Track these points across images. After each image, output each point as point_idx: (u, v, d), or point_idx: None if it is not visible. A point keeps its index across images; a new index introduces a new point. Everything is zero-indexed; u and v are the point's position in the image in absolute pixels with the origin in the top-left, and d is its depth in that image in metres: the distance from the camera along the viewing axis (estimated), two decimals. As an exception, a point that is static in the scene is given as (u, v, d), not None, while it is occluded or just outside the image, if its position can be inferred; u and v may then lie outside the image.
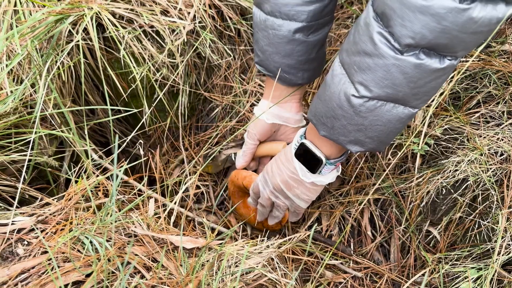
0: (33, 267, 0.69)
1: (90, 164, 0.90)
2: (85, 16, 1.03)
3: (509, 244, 0.84)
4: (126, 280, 0.69)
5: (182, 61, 1.17)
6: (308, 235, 0.98)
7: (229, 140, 1.20)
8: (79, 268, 0.69)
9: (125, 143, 0.96)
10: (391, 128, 0.75)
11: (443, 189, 1.00)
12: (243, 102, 1.26)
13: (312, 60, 0.94)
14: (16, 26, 1.01)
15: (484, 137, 0.98)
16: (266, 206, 1.02)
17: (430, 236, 1.03)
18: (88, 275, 0.69)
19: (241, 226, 1.16)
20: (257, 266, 0.78)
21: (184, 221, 0.97)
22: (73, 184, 0.85)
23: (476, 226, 0.93)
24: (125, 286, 0.67)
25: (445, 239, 0.99)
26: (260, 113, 1.02)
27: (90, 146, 1.07)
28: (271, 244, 0.85)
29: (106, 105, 1.15)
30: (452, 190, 0.98)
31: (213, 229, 1.03)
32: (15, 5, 1.06)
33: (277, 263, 0.82)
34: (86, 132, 0.97)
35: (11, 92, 1.00)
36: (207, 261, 0.77)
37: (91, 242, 0.73)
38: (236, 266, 0.77)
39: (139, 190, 1.02)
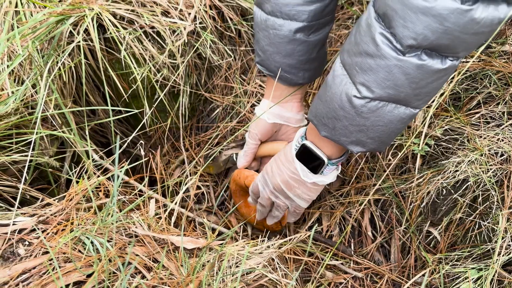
0: (34, 267, 0.69)
1: (91, 165, 0.90)
2: (86, 17, 1.03)
3: (509, 245, 0.84)
4: (127, 280, 0.69)
5: (183, 62, 1.17)
6: (309, 236, 0.98)
7: (230, 140, 1.20)
8: (80, 268, 0.69)
9: (126, 144, 0.96)
10: (392, 128, 0.75)
11: (444, 189, 1.00)
12: (243, 103, 1.27)
13: (313, 59, 0.94)
14: (17, 27, 1.02)
15: (485, 138, 0.98)
16: (266, 206, 1.02)
17: (431, 237, 1.03)
18: (89, 275, 0.69)
19: (242, 226, 1.16)
20: (257, 267, 0.78)
21: (184, 221, 0.97)
22: (74, 185, 0.85)
23: (477, 226, 0.93)
24: (126, 286, 0.67)
25: (446, 240, 0.99)
26: (261, 113, 1.02)
27: (91, 147, 1.08)
28: (272, 245, 0.85)
29: (107, 105, 1.15)
30: (452, 191, 0.98)
31: (213, 230, 1.03)
32: (16, 6, 1.07)
33: (278, 263, 0.82)
34: (87, 133, 0.97)
35: (12, 92, 1.00)
36: (208, 261, 0.77)
37: (92, 242, 0.73)
38: (237, 266, 0.77)
39: (140, 190, 1.03)
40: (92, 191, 0.81)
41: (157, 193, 0.99)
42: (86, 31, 1.07)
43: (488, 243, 0.89)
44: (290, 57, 0.92)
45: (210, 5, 1.19)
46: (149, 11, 1.12)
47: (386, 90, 0.68)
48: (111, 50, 1.14)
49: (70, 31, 1.06)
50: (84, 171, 0.89)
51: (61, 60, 1.04)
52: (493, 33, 0.60)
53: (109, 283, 0.68)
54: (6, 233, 0.74)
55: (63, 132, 1.06)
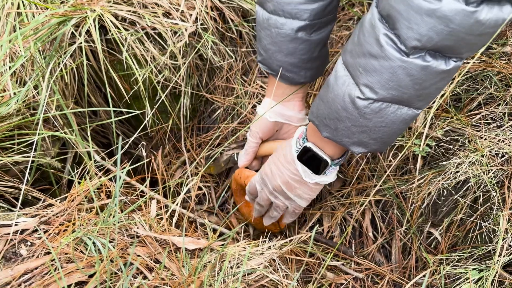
0: (36, 268, 0.70)
1: (93, 166, 0.91)
2: (88, 18, 1.04)
3: (510, 246, 0.84)
4: (129, 281, 0.69)
5: (184, 63, 1.17)
6: (310, 236, 0.98)
7: (231, 141, 1.20)
8: (82, 268, 0.69)
9: (127, 145, 0.96)
10: (394, 129, 0.75)
11: (444, 190, 1.00)
12: (244, 104, 1.27)
13: (315, 58, 0.94)
14: (20, 28, 1.02)
15: (485, 139, 0.98)
16: (264, 206, 1.02)
17: (431, 237, 1.03)
18: (91, 276, 0.69)
19: (243, 227, 1.17)
20: (258, 267, 0.78)
21: (186, 222, 0.97)
22: (75, 185, 0.85)
23: (477, 227, 0.94)
24: (127, 287, 0.67)
25: (446, 241, 0.99)
26: (262, 111, 1.02)
27: (93, 148, 1.08)
28: (273, 245, 0.86)
29: (109, 106, 1.15)
30: (453, 192, 0.98)
31: (215, 230, 1.04)
32: (18, 8, 1.07)
33: (279, 264, 0.82)
34: (88, 134, 0.97)
35: (14, 94, 1.00)
36: (209, 262, 0.77)
37: (94, 243, 0.73)
38: (238, 267, 0.77)
39: (142, 191, 1.03)
40: (94, 192, 0.82)
41: (159, 193, 0.99)
42: (88, 32, 1.07)
43: (489, 244, 0.89)
44: (292, 55, 0.92)
45: (211, 7, 1.20)
46: (151, 13, 1.12)
47: (389, 91, 0.68)
48: (112, 51, 1.14)
49: (72, 33, 1.07)
50: (86, 172, 0.90)
51: (63, 61, 1.04)
52: (497, 33, 0.60)
53: (110, 283, 0.68)
54: (8, 234, 0.74)
55: (65, 133, 1.06)
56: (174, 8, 1.14)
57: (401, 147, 1.08)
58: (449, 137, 1.04)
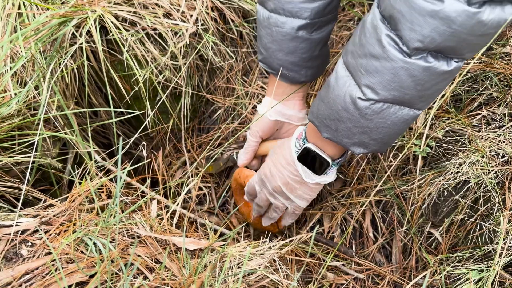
0: (37, 268, 0.70)
1: (93, 166, 0.91)
2: (89, 18, 1.04)
3: (510, 246, 0.84)
4: (129, 281, 0.69)
5: (185, 64, 1.17)
6: (310, 237, 0.98)
7: (231, 141, 1.20)
8: (83, 269, 0.69)
9: (128, 145, 0.97)
10: (395, 129, 0.75)
11: (445, 191, 1.00)
12: (245, 104, 1.27)
13: (315, 57, 0.94)
14: (20, 29, 1.02)
15: (486, 139, 0.98)
16: (262, 207, 1.02)
17: (432, 238, 1.03)
18: (91, 276, 0.69)
19: (243, 227, 1.17)
20: (259, 268, 0.78)
21: (186, 222, 0.97)
22: (76, 186, 0.85)
23: (478, 228, 0.94)
24: (128, 287, 0.67)
25: (447, 241, 0.99)
26: (263, 110, 1.01)
27: (93, 148, 1.08)
28: (273, 246, 0.86)
29: (109, 107, 1.16)
30: (453, 192, 0.98)
31: (215, 231, 1.04)
32: (19, 8, 1.07)
33: (279, 264, 0.82)
34: (89, 134, 0.98)
35: (15, 94, 1.00)
36: (210, 262, 0.77)
37: (94, 243, 0.73)
38: (238, 267, 0.77)
39: (142, 191, 1.03)
40: (95, 192, 0.82)
41: (159, 194, 0.99)
42: (89, 33, 1.07)
43: (490, 245, 0.89)
44: (293, 54, 0.92)
45: (212, 7, 1.20)
46: (151, 13, 1.12)
47: (391, 92, 0.68)
48: (113, 51, 1.14)
49: (73, 33, 1.07)
50: (87, 172, 0.90)
51: (63, 61, 1.04)
52: (498, 34, 0.60)
53: (111, 283, 0.68)
54: (9, 234, 0.74)
55: (66, 133, 1.06)
56: (174, 8, 1.14)
57: (402, 147, 1.08)
58: (449, 138, 1.04)
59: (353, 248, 1.10)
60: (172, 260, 0.76)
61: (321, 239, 1.09)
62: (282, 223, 1.06)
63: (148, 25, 1.10)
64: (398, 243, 1.08)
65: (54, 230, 0.77)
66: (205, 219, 1.12)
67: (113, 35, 1.07)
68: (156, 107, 1.19)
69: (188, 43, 1.14)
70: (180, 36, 1.14)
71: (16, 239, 0.74)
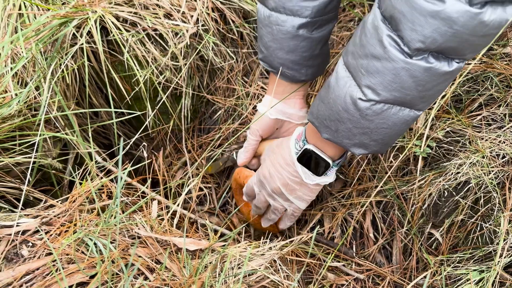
0: (37, 269, 0.70)
1: (94, 166, 0.91)
2: (89, 19, 1.04)
3: (511, 247, 0.84)
4: (130, 282, 0.69)
5: (185, 64, 1.17)
6: (311, 237, 0.98)
7: (231, 141, 1.20)
8: (83, 269, 0.69)
9: (128, 146, 0.97)
10: (396, 130, 0.75)
11: (445, 191, 1.00)
12: (245, 105, 1.27)
13: (316, 56, 0.94)
14: (21, 30, 1.02)
15: (486, 140, 0.98)
16: (261, 208, 1.02)
17: (432, 238, 1.03)
18: (92, 277, 0.69)
19: (244, 227, 1.17)
20: (259, 268, 0.79)
21: (187, 223, 0.97)
22: (77, 186, 0.86)
23: (478, 228, 0.94)
24: (129, 288, 0.67)
25: (447, 242, 0.99)
26: (263, 108, 1.01)
27: (94, 149, 1.08)
28: (274, 246, 0.86)
29: (110, 107, 1.16)
30: (454, 193, 0.98)
31: (216, 231, 1.04)
32: (19, 9, 1.07)
33: (280, 265, 0.82)
34: (89, 135, 0.98)
35: (16, 95, 1.00)
36: (210, 262, 0.78)
37: (95, 243, 0.73)
38: (239, 268, 0.77)
39: (143, 192, 1.03)
40: (95, 193, 0.82)
41: (160, 194, 0.99)
42: (89, 33, 1.07)
43: (490, 245, 0.89)
44: (293, 53, 0.92)
45: (213, 8, 1.20)
46: (152, 14, 1.12)
47: (392, 93, 0.68)
48: (114, 52, 1.14)
49: (73, 34, 1.07)
50: (87, 172, 0.90)
51: (64, 62, 1.04)
52: (499, 34, 0.60)
53: (112, 284, 0.69)
54: (10, 235, 0.74)
55: (66, 134, 1.06)
56: (175, 9, 1.14)
57: (402, 148, 1.08)
58: (450, 138, 1.04)
59: (354, 249, 1.10)
60: (172, 261, 0.76)
61: (322, 240, 1.09)
62: (280, 226, 1.06)
63: (148, 26, 1.10)
64: (398, 243, 1.08)
65: (55, 231, 0.77)
66: (206, 219, 1.12)
67: (113, 35, 1.07)
68: (157, 108, 1.20)
69: (188, 43, 1.14)
70: (180, 36, 1.14)
71: (16, 240, 0.74)
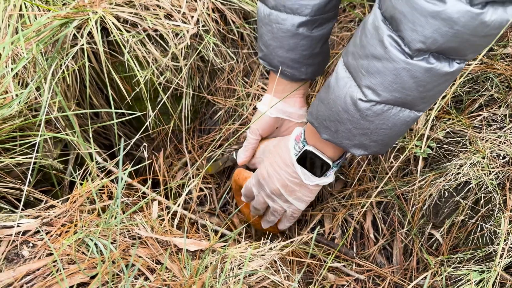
0: (38, 269, 0.70)
1: (95, 167, 0.91)
2: (90, 20, 1.04)
3: (511, 247, 0.84)
4: (131, 282, 0.69)
5: (186, 65, 1.17)
6: (311, 238, 0.98)
7: (231, 142, 1.20)
8: (84, 270, 0.69)
9: (129, 146, 0.97)
10: (396, 131, 0.75)
11: (446, 192, 1.00)
12: (246, 105, 1.27)
13: (316, 55, 0.94)
14: (22, 30, 1.02)
15: (487, 140, 0.98)
16: (260, 210, 1.01)
17: (433, 239, 1.03)
18: (92, 277, 0.69)
19: (245, 228, 1.17)
20: (260, 269, 0.79)
21: (187, 223, 0.97)
22: (77, 187, 0.86)
23: (479, 229, 0.94)
24: (129, 288, 0.67)
25: (448, 242, 0.99)
26: (263, 107, 1.01)
27: (94, 149, 1.08)
28: (274, 247, 0.86)
29: (110, 108, 1.16)
30: (454, 193, 0.98)
31: (216, 232, 1.04)
32: (20, 9, 1.07)
33: (280, 265, 0.82)
34: (90, 135, 0.98)
35: (17, 95, 1.00)
36: (211, 263, 0.78)
37: (95, 244, 0.73)
38: (239, 268, 0.77)
39: (143, 192, 1.03)
40: (96, 193, 0.82)
41: (160, 195, 0.99)
42: (90, 34, 1.07)
43: (490, 246, 0.89)
44: (293, 51, 0.92)
45: (213, 8, 1.20)
46: (152, 14, 1.12)
47: (393, 94, 0.68)
48: (114, 53, 1.14)
49: (74, 34, 1.07)
50: (88, 173, 0.90)
51: (65, 63, 1.05)
52: (500, 34, 0.60)
53: (112, 284, 0.69)
54: (11, 235, 0.74)
55: (67, 134, 1.06)
56: (175, 10, 1.14)
57: (403, 148, 1.08)
58: (450, 139, 1.04)
59: (354, 249, 1.10)
60: (173, 261, 0.76)
61: (322, 240, 1.09)
62: (280, 227, 1.05)
63: (149, 26, 1.10)
64: (399, 244, 1.08)
65: (55, 231, 0.77)
66: (206, 220, 1.12)
67: (114, 36, 1.07)
68: (157, 108, 1.20)
69: (189, 44, 1.14)
70: (181, 37, 1.14)
71: (17, 240, 0.74)
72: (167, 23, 1.12)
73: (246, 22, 1.28)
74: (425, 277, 0.95)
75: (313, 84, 1.26)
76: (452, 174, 0.98)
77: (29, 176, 0.90)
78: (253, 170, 1.07)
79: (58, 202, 0.87)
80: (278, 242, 0.88)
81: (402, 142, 1.08)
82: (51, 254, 0.73)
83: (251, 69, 1.32)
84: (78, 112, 1.06)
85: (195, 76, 1.25)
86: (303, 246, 1.00)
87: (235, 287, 0.73)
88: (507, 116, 1.01)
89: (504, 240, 0.84)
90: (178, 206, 0.93)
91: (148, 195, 1.02)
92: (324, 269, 0.98)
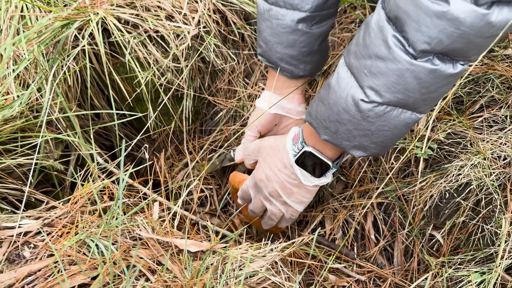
0: (39, 270, 0.70)
1: (96, 168, 0.91)
2: (91, 21, 1.04)
3: (512, 248, 0.84)
4: (131, 283, 0.69)
5: (187, 66, 1.17)
6: (312, 239, 0.98)
7: (231, 142, 1.20)
8: (85, 271, 0.69)
9: (130, 147, 0.97)
10: (396, 133, 0.74)
11: (446, 193, 1.00)
12: (247, 106, 1.27)
13: (315, 52, 0.94)
14: (23, 31, 1.03)
15: (487, 142, 0.98)
16: (258, 213, 1.01)
17: (434, 240, 1.03)
18: (94, 278, 0.70)
19: (245, 229, 1.17)
20: (261, 270, 0.79)
21: (188, 224, 0.97)
22: (78, 188, 0.86)
23: (480, 230, 0.93)
24: (130, 289, 0.67)
25: (449, 243, 0.99)
26: (262, 103, 1.01)
27: (96, 150, 1.08)
28: (275, 248, 0.86)
29: (111, 109, 1.16)
30: (455, 194, 0.98)
31: (217, 233, 1.04)
32: (22, 11, 1.08)
33: (281, 266, 0.82)
34: (91, 136, 0.98)
35: (18, 96, 1.01)
36: (211, 264, 0.78)
37: (96, 245, 0.73)
38: (240, 269, 0.77)
39: (144, 193, 1.03)
40: (97, 194, 0.82)
41: (161, 196, 0.99)
42: (91, 35, 1.08)
43: (491, 247, 0.89)
44: (292, 48, 0.91)
45: (214, 10, 1.20)
46: (154, 16, 1.13)
47: (395, 95, 0.67)
48: (115, 54, 1.14)
49: (75, 35, 1.07)
50: (89, 174, 0.90)
51: (66, 64, 1.05)
52: (504, 35, 0.60)
53: (113, 285, 0.69)
54: (12, 236, 0.75)
55: (68, 135, 1.06)
56: (176, 11, 1.15)
57: (403, 149, 1.08)
58: (451, 140, 1.04)
59: (355, 250, 1.10)
60: (174, 262, 0.76)
61: (323, 241, 1.09)
62: (278, 226, 1.05)
63: (150, 28, 1.11)
64: (399, 245, 1.08)
65: (57, 232, 0.77)
66: (207, 221, 1.12)
67: (115, 37, 1.07)
68: (158, 109, 1.20)
69: (190, 45, 1.14)
70: (182, 38, 1.14)
71: (18, 241, 0.74)
72: (168, 24, 1.12)
73: (247, 23, 1.28)
74: (426, 278, 0.95)
75: (314, 85, 1.26)
76: (453, 175, 0.98)
77: (30, 177, 0.90)
78: (249, 172, 1.07)
79: (59, 203, 0.88)
80: (279, 243, 0.88)
81: (403, 143, 1.08)
82: (52, 255, 0.73)
83: (252, 70, 1.32)
84: (79, 113, 1.06)
85: (196, 77, 1.25)
86: (304, 247, 1.00)
87: (236, 288, 0.73)
88: (508, 117, 1.01)
89: (505, 241, 0.84)
90: (179, 207, 0.93)
91: (149, 196, 1.02)
92: (325, 270, 0.98)
